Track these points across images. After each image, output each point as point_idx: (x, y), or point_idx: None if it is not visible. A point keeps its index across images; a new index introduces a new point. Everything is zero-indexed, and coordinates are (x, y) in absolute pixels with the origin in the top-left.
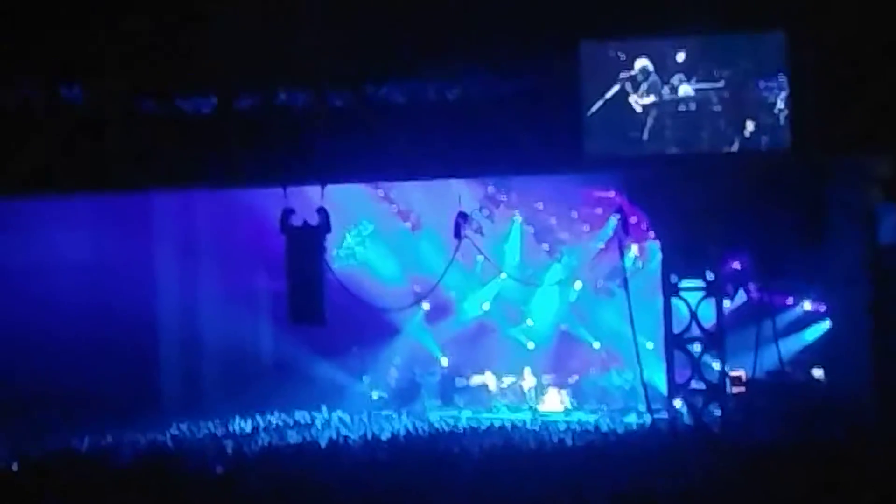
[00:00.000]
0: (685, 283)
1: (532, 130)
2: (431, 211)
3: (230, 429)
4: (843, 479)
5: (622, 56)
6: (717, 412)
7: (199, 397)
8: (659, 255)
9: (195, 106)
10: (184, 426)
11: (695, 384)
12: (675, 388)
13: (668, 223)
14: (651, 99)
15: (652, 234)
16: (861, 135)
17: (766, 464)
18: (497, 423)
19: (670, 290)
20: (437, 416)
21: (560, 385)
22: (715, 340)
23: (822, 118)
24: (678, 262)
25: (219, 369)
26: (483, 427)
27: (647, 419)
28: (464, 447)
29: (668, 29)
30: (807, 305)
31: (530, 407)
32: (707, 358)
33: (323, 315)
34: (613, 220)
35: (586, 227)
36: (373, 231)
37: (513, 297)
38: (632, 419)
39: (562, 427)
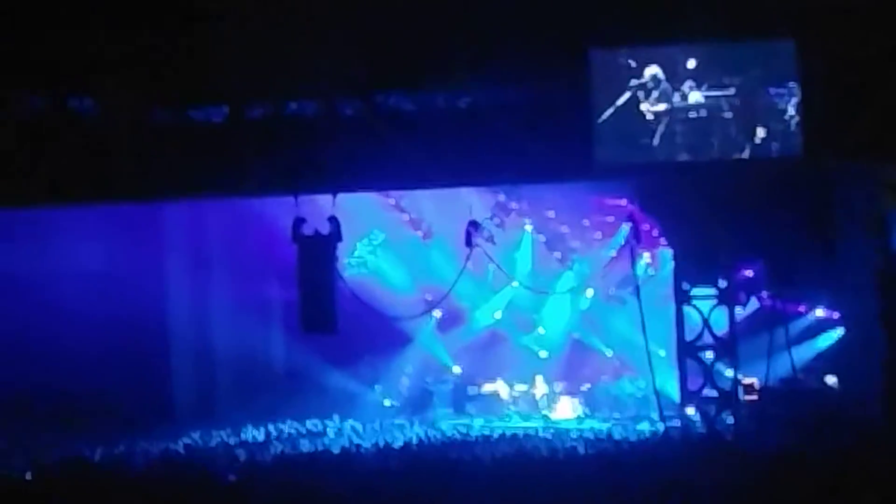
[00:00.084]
0: (697, 291)
1: (543, 138)
2: (442, 219)
3: (242, 437)
4: (856, 487)
5: (632, 63)
6: (730, 420)
7: (212, 406)
8: (671, 263)
9: (206, 115)
10: (196, 435)
11: (707, 392)
12: (687, 396)
13: (679, 231)
14: (662, 106)
15: (664, 241)
16: (872, 141)
17: (779, 471)
18: (509, 432)
19: (682, 298)
20: (449, 425)
21: (572, 393)
22: (727, 348)
23: (833, 125)
24: (690, 270)
25: (231, 378)
26: (495, 435)
27: (660, 427)
28: (476, 455)
29: (678, 37)
30: (819, 313)
31: (542, 415)
32: (719, 366)
33: (334, 324)
34: (625, 227)
35: (598, 235)
36: (384, 240)
37: (524, 306)
38: (644, 427)
39: (574, 435)
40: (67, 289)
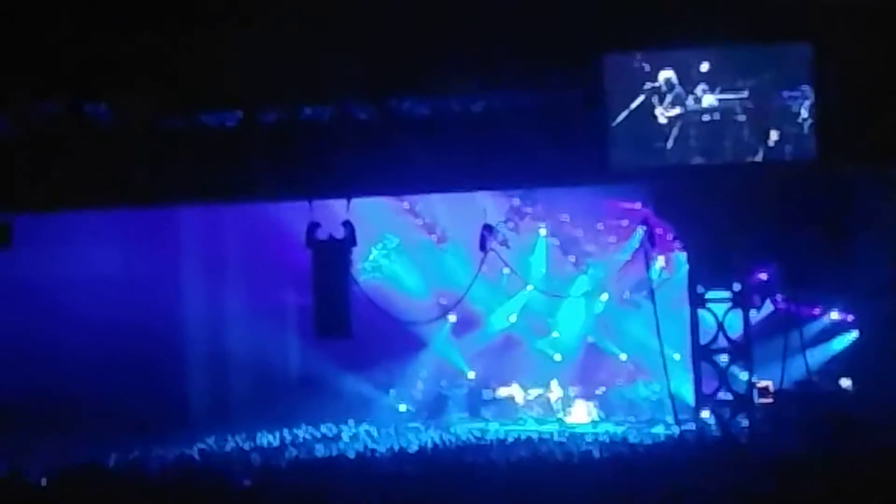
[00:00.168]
0: (712, 294)
1: (557, 142)
2: (457, 224)
3: (257, 442)
4: (871, 490)
5: (646, 67)
6: (745, 423)
7: (227, 411)
8: (685, 266)
9: (220, 121)
10: (211, 440)
11: (722, 395)
12: (702, 400)
13: (694, 234)
14: (676, 110)
15: (678, 245)
16: (887, 144)
17: (794, 475)
18: (524, 436)
19: (697, 302)
20: (465, 429)
21: (587, 397)
22: (742, 351)
23: (848, 128)
24: (705, 273)
25: (246, 383)
26: (510, 439)
27: (675, 430)
28: (491, 459)
29: (693, 40)
30: (834, 315)
31: (557, 419)
32: (734, 369)
33: (349, 328)
34: (639, 231)
35: (612, 239)
36: (398, 244)
37: (539, 310)
38: (659, 430)
39: (589, 439)
40: (82, 294)
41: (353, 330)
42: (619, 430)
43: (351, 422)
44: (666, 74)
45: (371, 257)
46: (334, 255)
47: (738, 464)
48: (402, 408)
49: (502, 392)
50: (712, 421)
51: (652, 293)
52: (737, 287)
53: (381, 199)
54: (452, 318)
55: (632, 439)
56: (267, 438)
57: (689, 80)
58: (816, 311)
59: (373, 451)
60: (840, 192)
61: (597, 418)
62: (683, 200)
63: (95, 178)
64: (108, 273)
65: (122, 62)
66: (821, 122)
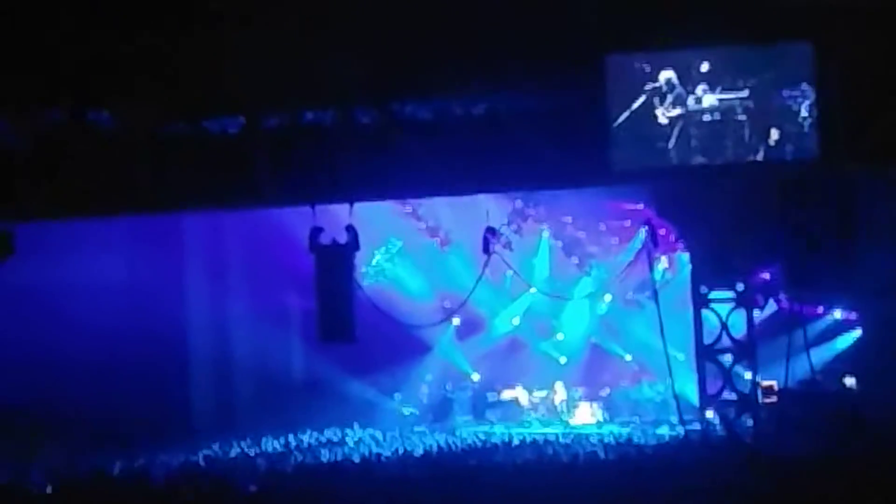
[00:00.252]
0: (715, 294)
1: (559, 144)
2: (460, 227)
3: (262, 448)
4: (876, 489)
5: (647, 68)
6: (750, 422)
7: (231, 417)
8: (688, 267)
9: (222, 126)
10: (216, 446)
11: (726, 395)
12: (706, 400)
13: (697, 234)
14: (677, 110)
15: (681, 245)
16: (889, 144)
17: (799, 474)
18: (529, 438)
19: (700, 302)
20: (470, 432)
21: (592, 398)
22: (746, 351)
23: (849, 127)
24: (708, 274)
25: (250, 389)
26: (515, 441)
27: (680, 431)
28: (496, 462)
29: (694, 41)
30: (837, 314)
31: (562, 420)
32: (738, 368)
33: (353, 333)
34: (642, 232)
35: (615, 240)
36: (401, 248)
37: (543, 312)
38: (664, 431)
39: (594, 440)
40: (86, 301)
41: (358, 334)
42: (624, 431)
43: (356, 426)
44: (666, 75)
45: (374, 261)
46: (338, 259)
47: (743, 463)
48: (407, 411)
49: (507, 394)
50: (717, 421)
51: (655, 294)
52: (740, 287)
53: (384, 203)
54: (456, 321)
55: (637, 440)
56: (272, 444)
57: (689, 81)
58: (820, 310)
59: (378, 454)
60: (843, 192)
61: (602, 419)
62: (686, 201)
63: (99, 185)
64: (112, 279)
65: (125, 68)
66: (822, 121)
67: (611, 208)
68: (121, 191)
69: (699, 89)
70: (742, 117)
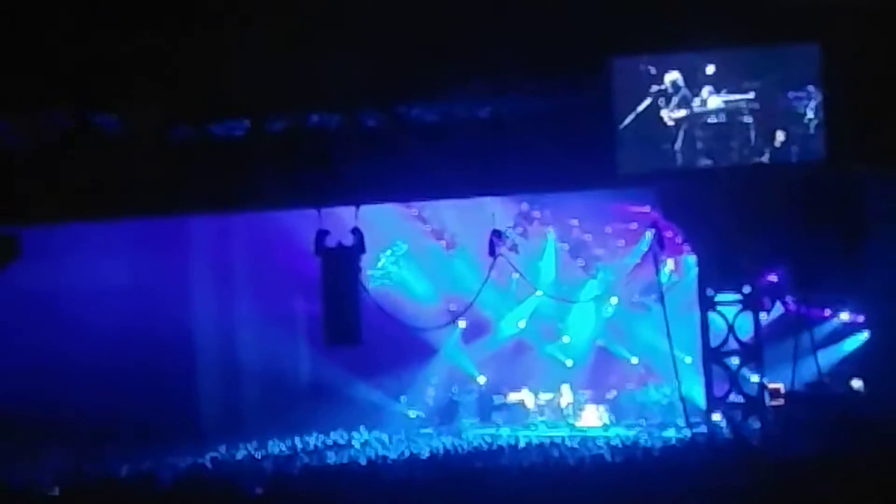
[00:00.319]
0: (722, 297)
1: (564, 146)
2: (465, 229)
3: (269, 450)
4: (883, 492)
5: (652, 70)
6: (756, 425)
7: (238, 420)
8: (695, 270)
9: (227, 130)
10: (222, 449)
11: (733, 398)
12: (713, 402)
13: (703, 237)
14: (682, 112)
15: (687, 248)
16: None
17: (806, 476)
18: (535, 440)
19: (707, 304)
20: (476, 434)
21: (598, 401)
22: (752, 353)
23: (858, 129)
24: (714, 276)
25: (257, 391)
26: (521, 444)
27: (686, 433)
28: (502, 465)
29: (699, 43)
30: (844, 316)
31: (568, 423)
32: (745, 371)
33: (359, 336)
34: (648, 234)
35: (621, 243)
36: (407, 251)
37: (549, 314)
38: (671, 434)
39: (600, 443)
40: (92, 304)
41: (363, 337)
42: (631, 433)
43: (362, 429)
44: (672, 77)
45: (380, 264)
46: (343, 262)
47: (750, 466)
48: (413, 414)
49: (513, 397)
50: (723, 423)
51: (661, 296)
52: (747, 289)
53: (389, 206)
54: (462, 323)
55: (643, 443)
56: (278, 446)
57: (695, 83)
58: (827, 312)
59: (384, 457)
60: (850, 193)
61: (608, 422)
62: (692, 203)
63: (104, 188)
64: (118, 283)
65: (130, 71)
66: (828, 123)
67: (617, 211)
68: (126, 194)
69: (705, 91)
70: (748, 119)
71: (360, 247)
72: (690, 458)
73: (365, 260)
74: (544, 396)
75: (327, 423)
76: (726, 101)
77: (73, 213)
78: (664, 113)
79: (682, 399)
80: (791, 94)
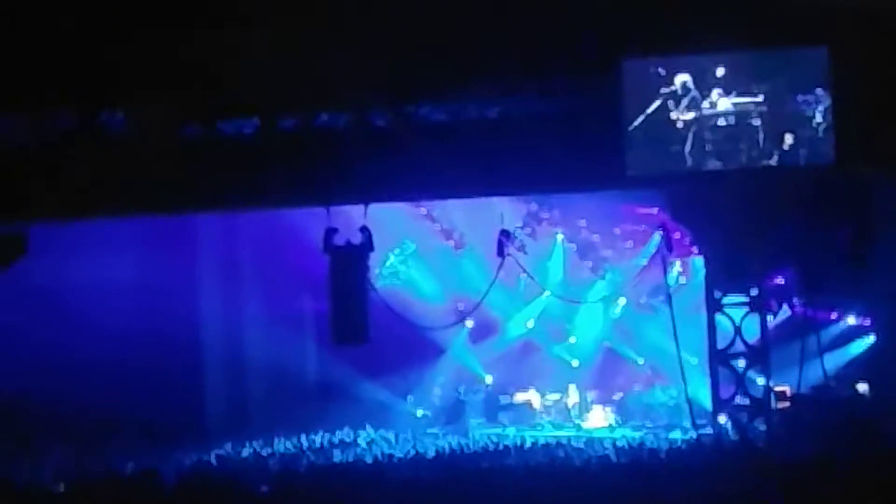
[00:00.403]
0: (729, 299)
1: (573, 147)
2: (474, 229)
3: (275, 448)
4: (889, 495)
5: (662, 72)
6: (762, 427)
7: (244, 417)
8: (702, 271)
9: (237, 128)
10: (228, 446)
11: (739, 400)
12: (719, 404)
13: (711, 239)
14: (691, 114)
15: (695, 250)
16: None
17: (812, 479)
18: (541, 441)
19: (714, 306)
20: (482, 434)
21: (604, 402)
22: (759, 356)
23: (867, 131)
24: (722, 278)
25: (263, 389)
26: (528, 444)
27: (692, 435)
28: (508, 465)
29: (710, 46)
30: (851, 320)
31: (575, 424)
32: (751, 373)
33: (367, 335)
34: (656, 236)
35: (629, 244)
36: (415, 250)
37: (556, 315)
38: (677, 435)
39: (606, 444)
40: (99, 301)
41: (371, 336)
42: (637, 434)
43: (368, 427)
44: (682, 78)
45: (388, 263)
46: (352, 260)
47: (756, 468)
48: (420, 413)
49: (520, 397)
50: (729, 426)
51: (669, 298)
52: (754, 292)
53: (398, 205)
54: (470, 323)
55: (649, 444)
56: (284, 444)
57: (704, 85)
58: (833, 315)
59: (390, 456)
60: (857, 196)
61: (614, 423)
62: (700, 205)
63: (112, 187)
64: (125, 280)
65: (139, 70)
66: (837, 125)
67: (625, 212)
68: (135, 192)
69: (714, 93)
70: (756, 122)
71: (368, 245)
72: (696, 459)
73: (373, 259)
74: (551, 397)
75: (334, 421)
76: (735, 104)
77: (80, 211)
78: (673, 115)
79: (689, 401)
80: (799, 97)
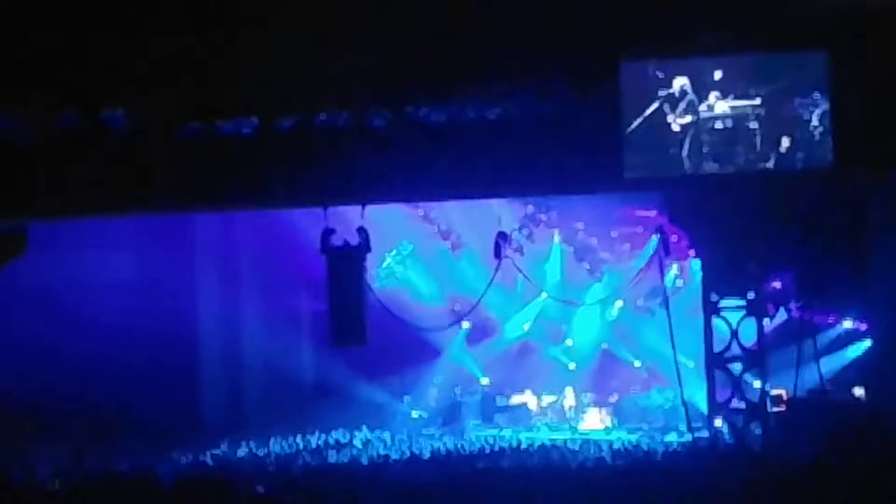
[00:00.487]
0: (726, 303)
1: (571, 149)
2: (471, 231)
3: (271, 449)
4: (883, 499)
5: (661, 74)
6: (758, 431)
7: (240, 417)
8: (700, 275)
9: (236, 127)
10: (224, 446)
11: (736, 403)
12: (715, 407)
13: (709, 242)
14: (688, 117)
15: (693, 253)
16: None
17: (808, 483)
18: (537, 442)
19: (711, 310)
20: (478, 436)
21: (601, 404)
22: (756, 359)
23: (865, 136)
24: (719, 282)
25: (260, 390)
26: (524, 446)
27: (688, 438)
28: (504, 466)
29: (708, 49)
30: (847, 324)
31: (571, 426)
32: (748, 377)
33: (365, 336)
34: (654, 239)
35: (627, 247)
36: (413, 251)
37: (553, 317)
38: (673, 438)
39: (602, 446)
40: (97, 299)
41: (368, 337)
42: (633, 437)
43: (364, 428)
44: (680, 81)
45: (386, 264)
46: (349, 261)
47: (752, 471)
48: (416, 414)
49: (516, 399)
50: (725, 429)
51: (666, 301)
52: (751, 295)
53: (395, 206)
54: (467, 324)
55: (645, 447)
56: (280, 445)
57: (702, 88)
58: (830, 319)
59: (386, 457)
60: (854, 201)
61: (610, 425)
62: (698, 208)
63: (112, 184)
64: (124, 278)
65: (140, 68)
66: (835, 129)
67: (623, 214)
68: (134, 191)
69: (712, 96)
70: (754, 125)
71: (365, 246)
72: (692, 462)
73: (370, 260)
74: (547, 399)
75: (330, 421)
76: (733, 107)
77: (80, 209)
78: (670, 118)
79: (685, 404)
80: (797, 101)
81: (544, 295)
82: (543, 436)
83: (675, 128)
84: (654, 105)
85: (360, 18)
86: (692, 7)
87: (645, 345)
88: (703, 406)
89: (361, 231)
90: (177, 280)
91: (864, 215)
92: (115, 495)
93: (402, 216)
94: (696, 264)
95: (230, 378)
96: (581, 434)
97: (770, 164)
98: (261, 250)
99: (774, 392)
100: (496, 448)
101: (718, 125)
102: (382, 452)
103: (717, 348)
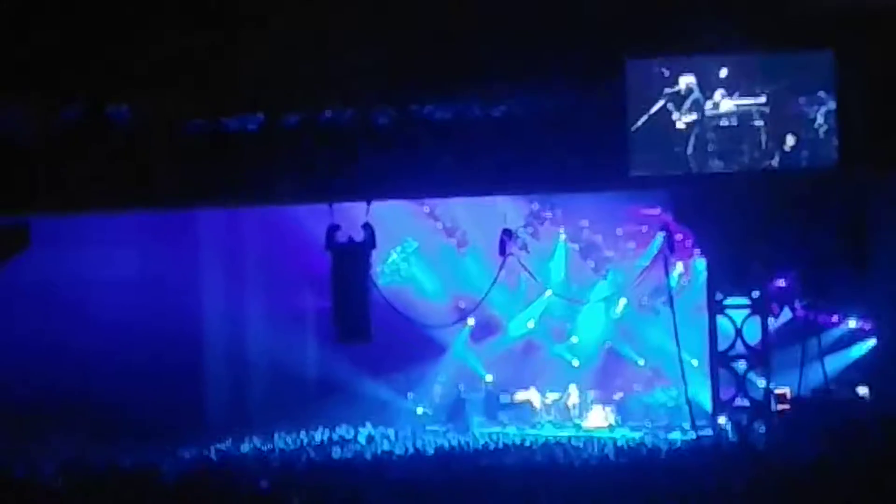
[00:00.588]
0: (730, 301)
1: (577, 147)
2: (476, 228)
3: (275, 444)
4: (886, 498)
5: (666, 73)
6: (762, 429)
7: (244, 413)
8: (704, 273)
9: (241, 124)
10: (228, 442)
11: (739, 402)
12: (719, 406)
13: (713, 241)
14: (694, 115)
15: (697, 251)
16: None
17: (811, 481)
18: (541, 440)
19: (715, 308)
20: (482, 433)
21: (605, 402)
22: (760, 358)
23: (869, 135)
24: (723, 280)
25: (264, 386)
26: (527, 443)
27: (692, 436)
28: (508, 463)
29: (714, 47)
30: (852, 323)
31: (575, 424)
32: (752, 375)
33: (370, 333)
34: (659, 237)
35: (631, 245)
36: (418, 248)
37: (558, 315)
38: (676, 436)
39: (606, 444)
40: (101, 296)
41: (373, 333)
42: (637, 435)
43: (368, 424)
44: (686, 80)
45: (390, 261)
46: (354, 258)
47: (755, 470)
48: (420, 411)
49: (520, 396)
50: (729, 427)
51: (671, 299)
52: (755, 294)
53: (400, 203)
54: (471, 322)
55: (649, 445)
56: (284, 440)
57: (707, 86)
58: (835, 318)
59: (390, 453)
60: (858, 200)
61: (614, 423)
62: (703, 206)
63: (116, 181)
64: (127, 275)
65: (145, 65)
66: (840, 128)
67: (628, 213)
68: (139, 187)
69: (717, 94)
70: (759, 123)
71: (370, 242)
72: (695, 460)
73: (375, 256)
74: (551, 396)
75: (334, 418)
76: (738, 105)
77: (85, 204)
78: (675, 116)
79: (689, 402)
80: (802, 100)
81: (548, 293)
82: (547, 433)
83: (681, 126)
84: (660, 103)
85: (361, 18)
86: (698, 5)
87: (649, 343)
88: (707, 404)
89: (366, 228)
90: (181, 277)
91: (867, 215)
92: (118, 492)
93: (407, 213)
94: (700, 263)
95: (234, 374)
96: (585, 432)
97: (775, 163)
98: (265, 247)
99: (778, 391)
100: (500, 445)
101: (724, 123)
102: (386, 449)
103: (721, 347)
